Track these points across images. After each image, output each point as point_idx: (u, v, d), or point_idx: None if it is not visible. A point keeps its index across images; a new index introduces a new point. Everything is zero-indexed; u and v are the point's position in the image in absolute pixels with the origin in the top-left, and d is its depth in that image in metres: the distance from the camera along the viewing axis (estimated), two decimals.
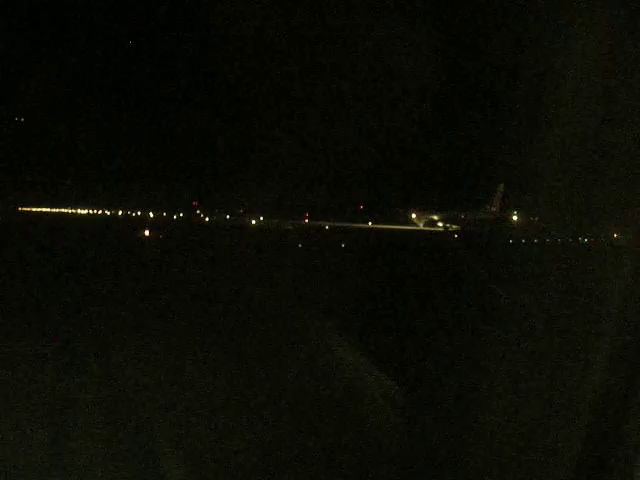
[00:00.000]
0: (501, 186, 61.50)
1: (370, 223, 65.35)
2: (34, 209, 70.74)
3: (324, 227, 56.04)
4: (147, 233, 33.66)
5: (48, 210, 71.29)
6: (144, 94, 71.39)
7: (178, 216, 67.86)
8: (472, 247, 37.50)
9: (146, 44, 62.12)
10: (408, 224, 64.07)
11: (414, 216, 64.94)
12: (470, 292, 16.65)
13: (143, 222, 46.56)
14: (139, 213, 68.55)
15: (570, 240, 47.62)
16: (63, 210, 72.53)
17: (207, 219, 67.30)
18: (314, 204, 68.32)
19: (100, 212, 71.15)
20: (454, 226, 61.14)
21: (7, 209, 61.83)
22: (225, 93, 59.68)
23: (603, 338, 6.84)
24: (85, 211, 71.83)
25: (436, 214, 63.57)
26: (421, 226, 63.43)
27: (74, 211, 72.10)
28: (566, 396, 7.01)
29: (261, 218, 62.78)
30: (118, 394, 7.44)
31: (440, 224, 62.63)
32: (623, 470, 5.26)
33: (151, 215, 67.01)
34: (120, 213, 68.68)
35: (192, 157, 70.12)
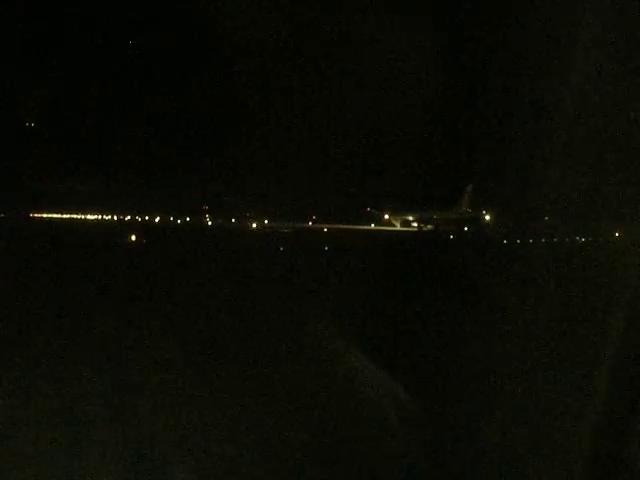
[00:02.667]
0: (469, 187, 61.57)
1: (373, 225, 65.28)
2: (45, 215, 71.93)
3: (322, 229, 56.06)
4: (133, 238, 34.26)
5: (58, 216, 72.37)
6: (159, 101, 72.43)
7: (183, 220, 68.41)
8: (477, 248, 37.03)
9: (154, 48, 62.90)
10: (382, 225, 64.02)
11: (387, 217, 64.93)
12: (477, 294, 15.85)
13: (136, 227, 47.14)
14: (147, 217, 69.32)
15: (567, 239, 47.05)
16: (74, 216, 73.59)
17: (210, 223, 67.76)
18: (321, 207, 68.73)
19: (109, 217, 72.04)
20: (429, 226, 61.21)
21: (18, 215, 63.02)
22: (233, 98, 60.54)
23: (608, 342, 6.86)
24: (94, 217, 72.78)
25: (411, 214, 63.52)
26: (398, 226, 63.46)
27: (82, 217, 73.09)
28: (571, 398, 6.97)
29: (265, 221, 63.22)
30: None
31: (415, 224, 62.71)
32: (627, 472, 5.37)
33: (157, 220, 67.68)
34: (128, 218, 69.47)
35: (204, 162, 70.97)
